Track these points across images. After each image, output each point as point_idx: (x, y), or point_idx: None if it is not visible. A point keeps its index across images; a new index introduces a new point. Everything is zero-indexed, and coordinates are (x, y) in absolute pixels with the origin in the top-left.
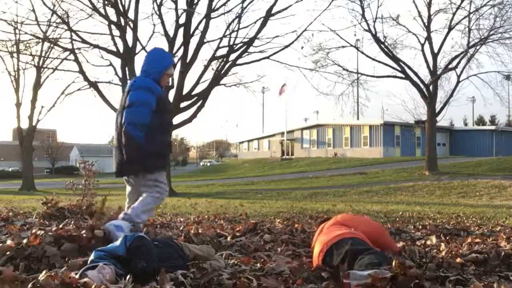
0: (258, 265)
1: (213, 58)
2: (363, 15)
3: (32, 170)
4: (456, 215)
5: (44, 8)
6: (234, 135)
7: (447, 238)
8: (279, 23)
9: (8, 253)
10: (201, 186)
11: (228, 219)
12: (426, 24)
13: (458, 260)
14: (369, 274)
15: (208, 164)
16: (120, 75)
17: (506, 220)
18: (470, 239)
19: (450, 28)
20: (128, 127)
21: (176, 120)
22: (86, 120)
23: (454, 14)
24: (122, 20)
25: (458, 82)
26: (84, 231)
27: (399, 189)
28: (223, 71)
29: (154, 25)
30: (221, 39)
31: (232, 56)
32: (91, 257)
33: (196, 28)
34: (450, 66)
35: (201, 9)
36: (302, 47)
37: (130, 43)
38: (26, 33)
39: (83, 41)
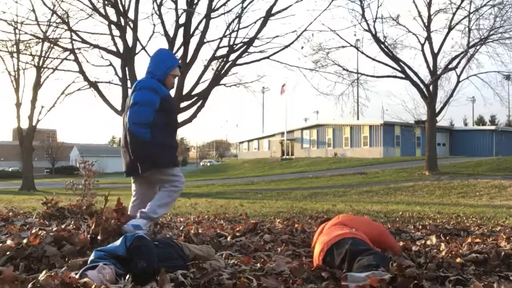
0: (258, 265)
1: (213, 58)
2: (363, 15)
3: (32, 170)
4: (456, 215)
5: (44, 8)
6: (234, 135)
7: (447, 238)
8: (279, 23)
9: (8, 253)
10: (201, 186)
11: (228, 219)
12: (426, 24)
13: (458, 260)
14: (367, 276)
15: (208, 164)
16: (120, 75)
17: (506, 220)
18: (470, 239)
19: (450, 28)
20: (132, 126)
21: None
22: (86, 120)
23: (454, 14)
24: (122, 20)
25: (458, 82)
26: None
27: (399, 189)
28: (223, 71)
29: (154, 25)
30: (221, 39)
31: (232, 56)
32: (91, 257)
33: (196, 28)
34: (450, 66)
35: (201, 9)
36: (302, 47)
37: (130, 43)
38: (26, 33)
39: (83, 41)
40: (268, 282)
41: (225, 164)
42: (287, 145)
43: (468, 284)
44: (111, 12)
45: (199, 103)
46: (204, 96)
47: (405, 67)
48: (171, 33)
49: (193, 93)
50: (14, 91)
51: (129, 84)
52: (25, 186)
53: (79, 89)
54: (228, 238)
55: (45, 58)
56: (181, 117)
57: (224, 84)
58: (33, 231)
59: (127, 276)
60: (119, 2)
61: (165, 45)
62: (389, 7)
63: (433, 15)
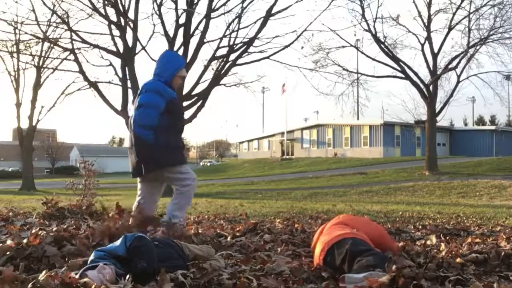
0: (258, 265)
1: (213, 58)
2: (363, 15)
3: (32, 170)
4: (456, 215)
5: (44, 8)
6: (234, 135)
7: (447, 238)
8: (279, 23)
9: (8, 253)
10: (201, 186)
11: (228, 219)
12: (426, 24)
13: (458, 260)
14: (364, 277)
15: (208, 164)
16: (120, 75)
17: (506, 220)
18: (470, 239)
19: (450, 28)
20: (136, 128)
21: None
22: (86, 120)
23: (454, 14)
24: (122, 20)
25: (458, 82)
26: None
27: (399, 189)
28: (223, 71)
29: (154, 25)
30: (221, 39)
31: (232, 56)
32: (91, 257)
33: (196, 28)
34: (450, 66)
35: (201, 9)
36: (302, 47)
37: (130, 43)
38: (26, 33)
39: (83, 41)
40: (268, 282)
41: (225, 164)
42: (287, 145)
43: (468, 284)
44: (111, 12)
45: (199, 103)
46: (204, 96)
47: (405, 67)
48: (171, 33)
49: (193, 93)
50: (14, 91)
51: (129, 84)
52: (25, 186)
53: (79, 89)
54: (228, 238)
55: (45, 58)
56: None
57: (224, 84)
58: (33, 231)
59: (127, 276)
60: (119, 2)
61: (165, 45)
62: (389, 7)
63: (433, 15)
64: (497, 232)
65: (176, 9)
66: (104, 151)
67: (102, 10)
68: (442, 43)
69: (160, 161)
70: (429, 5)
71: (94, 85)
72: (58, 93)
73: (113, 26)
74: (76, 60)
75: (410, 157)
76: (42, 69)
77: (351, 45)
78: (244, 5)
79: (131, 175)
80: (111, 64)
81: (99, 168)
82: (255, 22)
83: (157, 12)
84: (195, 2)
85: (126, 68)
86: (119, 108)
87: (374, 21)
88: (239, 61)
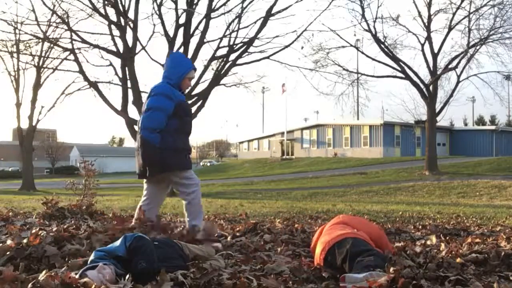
0: (258, 265)
1: (213, 58)
2: (363, 15)
3: (32, 170)
4: (456, 215)
5: (44, 8)
6: (234, 135)
7: (447, 238)
8: (279, 23)
9: (8, 253)
10: (201, 186)
11: (228, 219)
12: (426, 24)
13: (458, 260)
14: (364, 277)
15: (208, 164)
16: (120, 75)
17: (506, 220)
18: (470, 239)
19: (450, 28)
20: (142, 131)
21: None
22: (86, 120)
23: (454, 14)
24: (122, 20)
25: (458, 82)
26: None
27: (399, 189)
28: (223, 71)
29: (154, 25)
30: (221, 39)
31: (232, 56)
32: (91, 257)
33: (196, 28)
34: (450, 66)
35: (201, 9)
36: (302, 47)
37: (130, 43)
38: (26, 33)
39: (83, 41)
40: (268, 282)
41: (225, 164)
42: (287, 145)
43: (468, 284)
44: (111, 12)
45: (199, 103)
46: (204, 96)
47: (405, 67)
48: (171, 33)
49: (193, 93)
50: (14, 91)
51: (129, 84)
52: (25, 186)
53: (79, 89)
54: (228, 238)
55: (45, 58)
56: None
57: (224, 84)
58: (33, 231)
59: (127, 276)
60: (119, 2)
61: (165, 45)
62: (389, 7)
63: (433, 15)
64: (497, 232)
65: (176, 9)
66: (104, 151)
67: (102, 10)
68: (442, 43)
69: (166, 164)
70: (429, 5)
71: (94, 85)
72: (58, 93)
73: (113, 26)
74: (76, 60)
75: (410, 157)
76: (42, 69)
77: (351, 45)
78: (244, 5)
79: (137, 176)
80: (111, 64)
81: (99, 168)
82: (255, 22)
83: (157, 12)
84: (195, 2)
85: (126, 68)
86: (119, 108)
87: (374, 21)
88: (239, 61)
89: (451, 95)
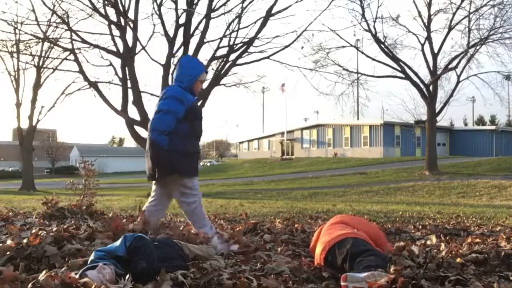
0: (258, 265)
1: (213, 58)
2: (363, 15)
3: (32, 170)
4: (456, 215)
5: (44, 8)
6: (234, 135)
7: (447, 238)
8: (279, 23)
9: (8, 253)
10: (201, 186)
11: (228, 219)
12: (426, 24)
13: (458, 260)
14: (366, 277)
15: (208, 164)
16: (120, 75)
17: (506, 220)
18: (470, 239)
19: (450, 28)
20: (152, 133)
21: None
22: (86, 120)
23: (454, 14)
24: (122, 20)
25: (458, 82)
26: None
27: (399, 189)
28: (223, 71)
29: (154, 25)
30: (221, 39)
31: (232, 56)
32: (91, 257)
33: (196, 28)
34: (450, 66)
35: (201, 9)
36: (302, 47)
37: (130, 43)
38: (26, 33)
39: (83, 41)
40: (268, 282)
41: (225, 164)
42: (287, 145)
43: (468, 284)
44: (111, 12)
45: (199, 103)
46: (204, 96)
47: (405, 67)
48: (171, 33)
49: None
50: (14, 91)
51: (129, 84)
52: (25, 186)
53: (79, 89)
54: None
55: (45, 58)
56: None
57: (224, 84)
58: (33, 231)
59: (127, 276)
60: (119, 2)
61: (165, 45)
62: (389, 7)
63: (433, 15)
64: (497, 232)
65: (176, 9)
66: (104, 151)
67: (102, 10)
68: (442, 43)
69: (175, 167)
70: (429, 5)
71: (94, 85)
72: (58, 93)
73: (113, 26)
74: (76, 60)
75: (410, 157)
76: (42, 69)
77: (351, 45)
78: (244, 5)
79: (147, 178)
80: (111, 64)
81: (99, 168)
82: (255, 22)
83: (157, 12)
84: (195, 2)
85: (126, 68)
86: (119, 108)
87: (374, 21)
88: (239, 61)
89: (451, 95)
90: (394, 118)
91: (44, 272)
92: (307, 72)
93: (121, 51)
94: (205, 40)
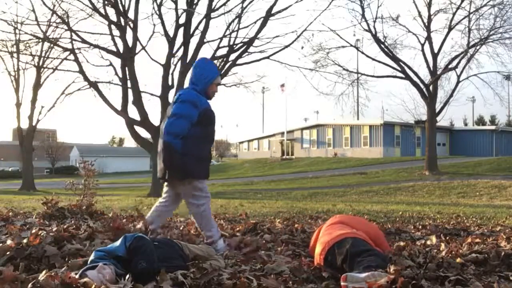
0: (258, 265)
1: (213, 58)
2: (363, 15)
3: (32, 170)
4: (456, 215)
5: (44, 8)
6: (234, 135)
7: (447, 238)
8: (279, 23)
9: (8, 253)
10: None
11: (228, 219)
12: (426, 24)
13: (458, 260)
14: (366, 277)
15: None
16: (120, 75)
17: (506, 220)
18: (470, 239)
19: (450, 28)
20: (166, 136)
21: None
22: (86, 120)
23: (454, 14)
24: (122, 20)
25: (458, 82)
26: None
27: (399, 189)
28: (223, 71)
29: (154, 25)
30: (221, 39)
31: (232, 56)
32: (91, 257)
33: (196, 28)
34: (450, 66)
35: (201, 9)
36: (302, 47)
37: (130, 43)
38: (26, 33)
39: (83, 41)
40: (268, 282)
41: (225, 164)
42: (287, 145)
43: (468, 284)
44: (111, 12)
45: None
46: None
47: (405, 67)
48: (171, 33)
49: None
50: (14, 91)
51: (129, 84)
52: (25, 186)
53: (79, 89)
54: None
55: (45, 58)
56: None
57: (224, 84)
58: (33, 231)
59: (127, 276)
60: (119, 2)
61: (165, 45)
62: (389, 7)
63: (433, 15)
64: (497, 232)
65: (176, 9)
66: (104, 151)
67: (102, 10)
68: (442, 43)
69: (187, 170)
70: (429, 5)
71: (94, 85)
72: (58, 93)
73: (113, 26)
74: (76, 60)
75: (410, 157)
76: (42, 69)
77: (351, 45)
78: (244, 5)
79: (159, 179)
80: (111, 64)
81: (99, 168)
82: (255, 22)
83: (157, 12)
84: (195, 2)
85: (126, 68)
86: (119, 108)
87: (374, 21)
88: (239, 61)
89: (451, 95)
90: (394, 118)
91: (44, 272)
92: (307, 72)
93: (121, 51)
94: (205, 40)
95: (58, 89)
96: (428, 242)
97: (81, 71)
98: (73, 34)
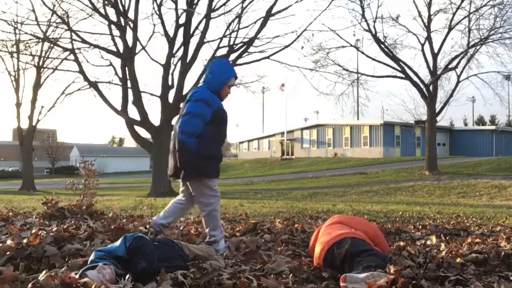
0: (258, 265)
1: (213, 58)
2: (363, 15)
3: (32, 170)
4: (456, 215)
5: (44, 8)
6: (234, 135)
7: (447, 238)
8: (279, 23)
9: (8, 253)
10: None
11: (228, 219)
12: (426, 24)
13: (458, 260)
14: (365, 277)
15: None
16: (120, 75)
17: (506, 220)
18: (470, 239)
19: (450, 28)
20: (180, 134)
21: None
22: (86, 120)
23: (454, 14)
24: (122, 20)
25: (458, 82)
26: None
27: (399, 189)
28: None
29: (154, 25)
30: (221, 39)
31: (232, 56)
32: (91, 257)
33: (196, 28)
34: (450, 66)
35: (201, 9)
36: (302, 47)
37: (130, 43)
38: (26, 33)
39: (83, 41)
40: (268, 282)
41: (225, 164)
42: (287, 145)
43: (468, 284)
44: (111, 12)
45: None
46: None
47: (405, 67)
48: (171, 33)
49: None
50: (14, 91)
51: (129, 84)
52: (25, 186)
53: (79, 89)
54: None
55: (45, 58)
56: None
57: None
58: (33, 231)
59: (127, 276)
60: (119, 2)
61: (165, 45)
62: (389, 7)
63: (433, 15)
64: (497, 232)
65: (176, 9)
66: (104, 151)
67: (102, 10)
68: (442, 43)
69: (200, 170)
70: (429, 5)
71: (94, 85)
72: (58, 93)
73: (113, 26)
74: (76, 60)
75: (410, 157)
76: (42, 69)
77: (351, 45)
78: (244, 5)
79: (169, 176)
80: (111, 64)
81: (99, 168)
82: (255, 22)
83: (157, 12)
84: (195, 2)
85: (126, 68)
86: (119, 108)
87: (374, 21)
88: (239, 61)
89: (451, 95)
90: (394, 118)
91: (44, 272)
92: (307, 72)
93: (121, 51)
94: (205, 40)
95: (58, 89)
96: (428, 242)
97: (81, 71)
98: (73, 34)
